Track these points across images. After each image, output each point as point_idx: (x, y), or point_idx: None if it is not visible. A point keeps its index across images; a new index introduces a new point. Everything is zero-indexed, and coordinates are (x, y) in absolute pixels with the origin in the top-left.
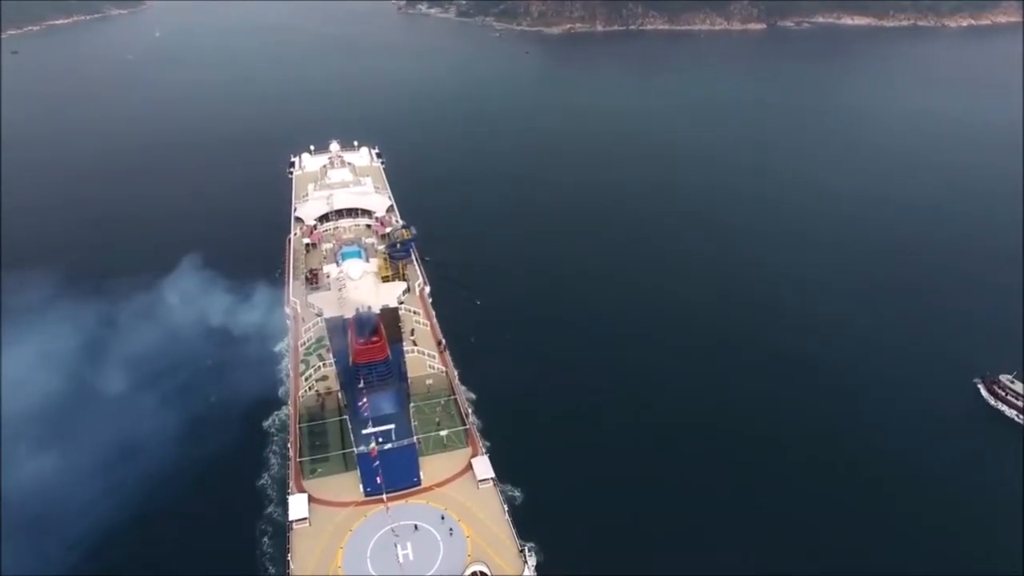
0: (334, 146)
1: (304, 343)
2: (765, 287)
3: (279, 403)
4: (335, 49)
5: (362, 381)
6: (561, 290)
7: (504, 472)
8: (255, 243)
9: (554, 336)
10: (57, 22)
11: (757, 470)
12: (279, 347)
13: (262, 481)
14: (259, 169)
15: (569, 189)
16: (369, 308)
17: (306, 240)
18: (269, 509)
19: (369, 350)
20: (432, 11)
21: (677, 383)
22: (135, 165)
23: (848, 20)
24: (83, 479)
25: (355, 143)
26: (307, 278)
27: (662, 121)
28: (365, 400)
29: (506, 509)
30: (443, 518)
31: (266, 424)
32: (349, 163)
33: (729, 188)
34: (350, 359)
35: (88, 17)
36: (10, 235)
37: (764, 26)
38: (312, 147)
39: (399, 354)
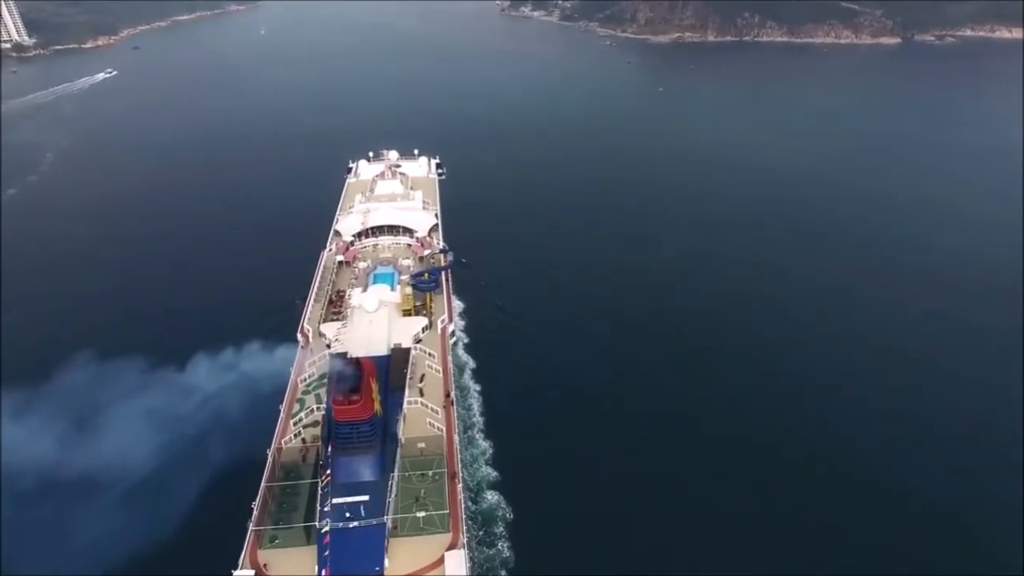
0: (392, 154)
1: (305, 378)
2: (881, 331)
3: None
4: (430, 50)
5: (329, 448)
6: (632, 345)
7: None
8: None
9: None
10: (181, 18)
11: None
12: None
13: None
14: (326, 171)
15: (653, 225)
16: (354, 359)
17: (339, 257)
18: None
19: (348, 410)
20: (535, 14)
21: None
22: (198, 161)
23: (1005, 33)
24: None
25: (415, 151)
26: (331, 300)
27: (770, 152)
28: (328, 472)
29: None
30: None
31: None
32: (402, 174)
33: (831, 220)
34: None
35: (210, 13)
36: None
37: (898, 40)
38: (371, 153)
39: (396, 407)
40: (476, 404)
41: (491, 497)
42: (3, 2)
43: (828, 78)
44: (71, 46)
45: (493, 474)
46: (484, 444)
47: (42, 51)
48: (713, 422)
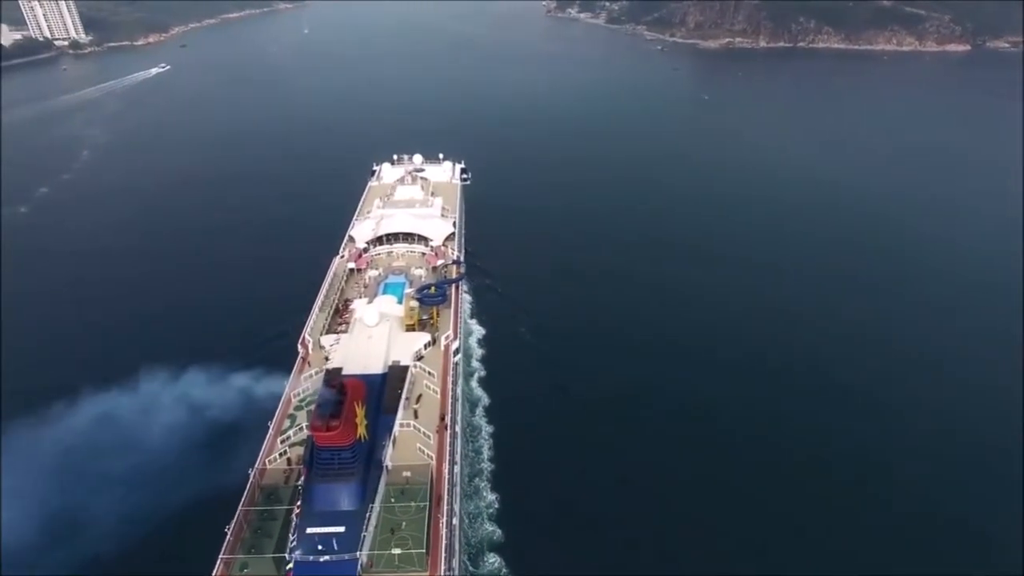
0: (417, 157)
1: (299, 393)
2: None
3: None
4: (473, 51)
5: (303, 475)
6: (675, 384)
7: None
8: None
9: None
10: (231, 16)
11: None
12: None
13: None
14: (355, 172)
15: (687, 252)
16: (338, 381)
17: (351, 264)
18: None
19: (327, 436)
20: (581, 16)
21: None
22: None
23: None
24: None
25: (440, 155)
26: (337, 310)
27: (805, 161)
28: (299, 503)
29: None
30: None
31: None
32: (423, 179)
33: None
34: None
35: (259, 11)
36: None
37: (967, 48)
38: (395, 156)
39: (385, 431)
40: (486, 448)
41: (492, 560)
42: (63, 1)
43: (887, 89)
44: (124, 43)
45: (497, 532)
46: (490, 497)
47: (96, 48)
48: (746, 479)
